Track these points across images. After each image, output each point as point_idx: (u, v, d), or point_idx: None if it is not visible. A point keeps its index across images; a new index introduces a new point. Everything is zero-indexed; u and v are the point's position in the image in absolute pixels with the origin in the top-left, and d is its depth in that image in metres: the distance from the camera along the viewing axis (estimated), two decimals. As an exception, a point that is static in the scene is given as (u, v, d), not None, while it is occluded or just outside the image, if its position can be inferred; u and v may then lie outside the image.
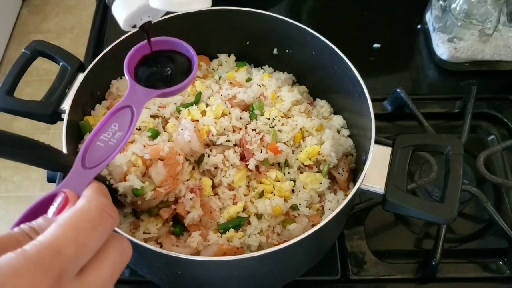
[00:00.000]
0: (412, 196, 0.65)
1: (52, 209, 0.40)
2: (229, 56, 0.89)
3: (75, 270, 0.33)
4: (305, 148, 0.74)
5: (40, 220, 0.37)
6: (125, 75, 0.54)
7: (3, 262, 0.30)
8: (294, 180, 0.73)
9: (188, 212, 0.67)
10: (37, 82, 1.90)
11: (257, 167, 0.71)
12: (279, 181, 0.72)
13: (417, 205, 0.63)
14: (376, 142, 0.65)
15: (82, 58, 0.81)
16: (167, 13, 0.79)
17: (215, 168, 0.71)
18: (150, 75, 0.56)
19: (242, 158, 0.72)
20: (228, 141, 0.71)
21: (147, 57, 0.58)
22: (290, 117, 0.78)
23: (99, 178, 0.64)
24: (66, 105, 0.72)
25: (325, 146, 0.73)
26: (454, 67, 1.03)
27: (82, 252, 0.34)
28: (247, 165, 0.71)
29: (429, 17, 1.09)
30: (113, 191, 0.65)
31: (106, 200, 0.39)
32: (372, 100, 0.68)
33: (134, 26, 0.54)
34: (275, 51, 0.86)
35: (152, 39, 0.57)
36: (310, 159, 0.73)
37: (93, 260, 0.35)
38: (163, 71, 0.57)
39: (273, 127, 0.75)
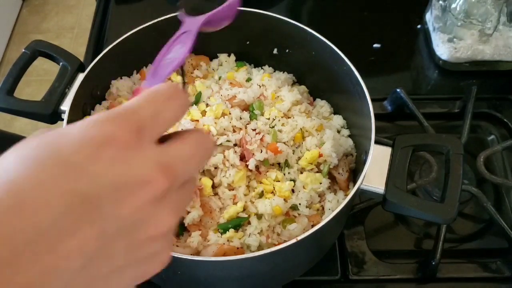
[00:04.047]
0: (412, 196, 0.64)
1: None
2: (229, 56, 0.88)
3: (153, 132, 0.32)
4: (305, 152, 0.74)
5: None
6: (179, 15, 0.55)
7: (83, 120, 0.31)
8: (294, 180, 0.73)
9: (188, 212, 0.67)
10: (37, 82, 1.90)
11: (257, 167, 0.71)
12: (279, 181, 0.72)
13: (417, 205, 0.63)
14: (376, 142, 0.65)
15: (82, 58, 0.81)
16: (167, 13, 0.79)
17: (215, 168, 0.71)
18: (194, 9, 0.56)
19: (242, 158, 0.72)
20: (228, 141, 0.71)
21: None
22: (290, 117, 0.78)
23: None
24: (66, 105, 0.72)
25: (325, 146, 0.73)
26: (454, 67, 1.03)
27: (157, 117, 0.33)
28: (247, 165, 0.71)
29: (429, 17, 1.09)
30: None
31: (178, 84, 0.38)
32: (372, 100, 0.68)
33: None
34: (275, 51, 0.86)
35: None
36: (311, 163, 0.73)
37: (172, 139, 0.35)
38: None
39: (273, 127, 0.75)
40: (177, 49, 0.50)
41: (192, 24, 0.53)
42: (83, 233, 0.27)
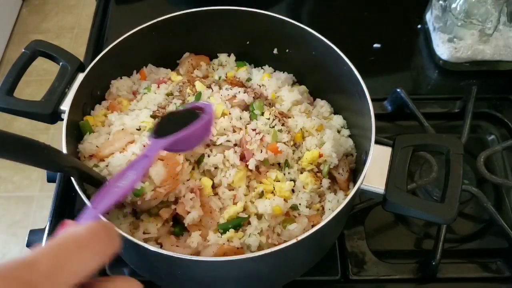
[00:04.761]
0: (412, 196, 0.65)
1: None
2: (229, 56, 0.89)
3: None
4: (305, 152, 0.74)
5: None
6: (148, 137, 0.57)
7: None
8: (294, 180, 0.73)
9: (188, 212, 0.67)
10: (37, 82, 1.90)
11: (257, 167, 0.71)
12: (279, 181, 0.72)
13: (417, 205, 0.63)
14: (376, 142, 0.65)
15: (82, 58, 0.81)
16: (167, 12, 0.79)
17: (215, 168, 0.71)
18: (166, 130, 0.57)
19: (242, 158, 0.71)
20: (228, 141, 0.71)
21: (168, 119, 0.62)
22: (290, 117, 0.78)
23: (100, 179, 0.64)
24: (66, 105, 0.72)
25: (326, 146, 0.73)
26: (454, 67, 1.03)
27: (60, 271, 0.30)
28: (247, 165, 0.71)
29: (429, 17, 1.09)
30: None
31: (104, 227, 0.34)
32: (372, 100, 0.68)
33: None
34: (275, 51, 0.86)
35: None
36: (312, 163, 0.73)
37: None
38: (178, 126, 0.58)
39: (273, 127, 0.75)
40: (130, 177, 0.48)
41: (152, 148, 0.52)
42: None
